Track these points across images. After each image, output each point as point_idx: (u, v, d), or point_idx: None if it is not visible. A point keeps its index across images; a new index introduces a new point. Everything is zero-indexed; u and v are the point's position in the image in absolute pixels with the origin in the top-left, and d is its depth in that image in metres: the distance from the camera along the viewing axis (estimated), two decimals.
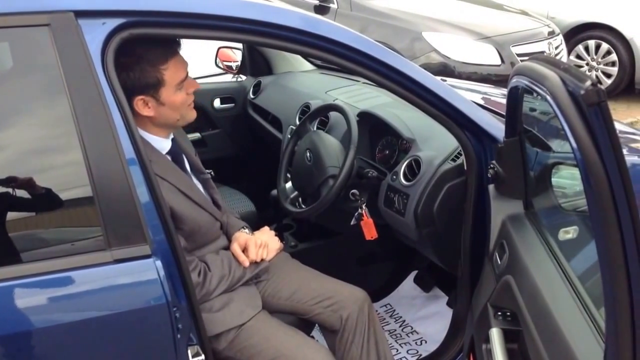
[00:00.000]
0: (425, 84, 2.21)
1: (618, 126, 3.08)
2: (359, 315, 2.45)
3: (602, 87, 1.34)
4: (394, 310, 3.30)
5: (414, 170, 2.59)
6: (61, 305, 1.74)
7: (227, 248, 2.38)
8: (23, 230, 1.79)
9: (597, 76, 8.03)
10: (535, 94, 1.80)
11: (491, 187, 2.26)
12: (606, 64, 7.97)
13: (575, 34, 8.11)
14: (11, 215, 1.75)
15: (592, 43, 8.03)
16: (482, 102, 2.89)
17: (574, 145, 1.34)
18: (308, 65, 3.95)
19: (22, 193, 1.73)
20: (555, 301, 1.72)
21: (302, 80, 3.82)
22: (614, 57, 7.88)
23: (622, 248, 1.31)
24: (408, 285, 3.40)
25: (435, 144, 2.61)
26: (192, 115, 2.25)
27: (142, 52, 2.02)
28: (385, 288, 3.43)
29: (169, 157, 2.22)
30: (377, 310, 3.20)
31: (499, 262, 2.05)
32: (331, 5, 6.74)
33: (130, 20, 1.81)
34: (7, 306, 1.66)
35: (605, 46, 7.93)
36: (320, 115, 3.09)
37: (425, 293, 3.33)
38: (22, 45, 1.73)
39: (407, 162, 2.63)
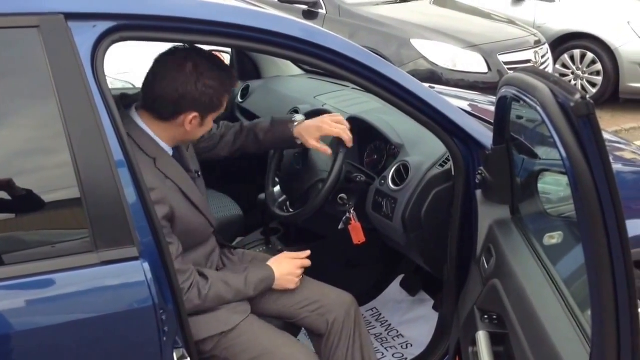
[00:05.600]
0: (414, 91, 2.24)
1: (604, 135, 3.12)
2: (345, 319, 2.46)
3: (590, 99, 1.37)
4: (380, 314, 3.32)
5: (402, 175, 2.61)
6: (47, 307, 1.74)
7: (215, 251, 2.40)
8: (9, 231, 1.79)
9: (582, 85, 8.11)
10: (523, 103, 1.82)
11: (478, 192, 2.28)
12: (591, 74, 8.06)
13: (561, 44, 8.19)
14: None
15: (577, 52, 8.12)
16: (469, 109, 2.92)
17: (564, 154, 1.37)
18: (296, 70, 3.97)
19: (8, 194, 1.73)
20: (541, 304, 1.74)
21: (290, 84, 3.84)
22: (598, 66, 7.97)
23: (609, 254, 1.33)
24: (394, 289, 3.41)
25: (424, 149, 2.63)
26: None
27: (225, 78, 2.14)
28: (371, 292, 3.44)
29: (175, 161, 2.24)
30: (363, 314, 3.21)
31: (486, 266, 2.07)
32: (320, 10, 6.76)
33: (121, 23, 1.82)
34: None
35: (590, 56, 8.03)
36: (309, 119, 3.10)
37: (411, 297, 3.35)
38: (11, 47, 1.73)
39: (395, 167, 2.64)
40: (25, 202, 1.76)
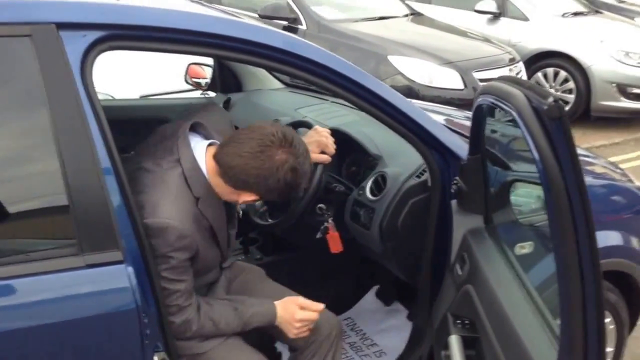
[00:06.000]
0: (394, 103, 2.32)
1: (584, 155, 3.24)
2: (324, 340, 2.48)
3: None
4: (355, 324, 3.37)
5: (380, 185, 2.68)
6: (32, 308, 1.79)
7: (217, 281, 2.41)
8: None
9: None
10: (500, 111, 1.90)
11: (454, 202, 2.36)
12: (564, 91, 8.20)
13: (535, 62, 8.34)
14: None
15: (550, 70, 8.28)
16: (445, 123, 3.00)
17: (536, 156, 1.45)
18: (277, 84, 4.03)
19: None
20: (512, 308, 1.82)
21: (271, 97, 3.90)
22: (571, 84, 8.13)
23: (577, 245, 1.41)
24: (369, 299, 3.47)
25: (402, 160, 2.70)
26: None
27: (301, 184, 2.12)
28: (347, 301, 3.50)
29: (222, 203, 2.21)
30: None
31: (460, 272, 2.15)
32: (300, 26, 6.87)
33: (109, 33, 1.89)
34: None
35: (563, 74, 8.19)
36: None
37: (386, 307, 3.41)
38: (4, 55, 1.78)
39: (373, 177, 2.72)
40: (14, 206, 1.81)
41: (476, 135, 2.19)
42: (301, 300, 2.32)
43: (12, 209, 1.82)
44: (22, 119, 1.84)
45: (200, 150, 2.12)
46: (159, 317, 1.97)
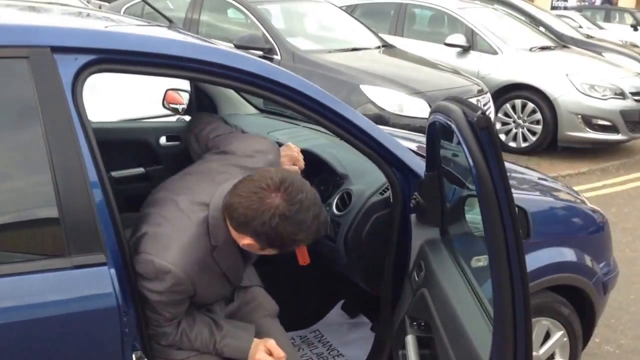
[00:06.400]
0: (361, 126, 2.51)
1: (543, 179, 3.50)
2: None
3: (490, 116, 1.67)
4: (322, 335, 3.53)
5: (345, 202, 2.88)
6: (23, 304, 1.93)
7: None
8: None
9: (523, 133, 8.54)
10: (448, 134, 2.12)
11: (413, 216, 2.56)
12: (531, 122, 8.48)
13: (504, 94, 8.61)
14: None
15: (518, 102, 8.55)
16: (417, 150, 3.20)
17: (471, 162, 1.67)
18: (251, 109, 4.22)
19: None
20: (461, 308, 2.02)
21: (245, 121, 4.07)
22: (538, 116, 8.40)
23: (504, 232, 1.63)
24: (336, 312, 3.63)
25: (366, 179, 2.90)
26: None
27: (302, 235, 2.07)
28: (315, 314, 3.66)
29: (238, 251, 2.23)
30: (307, 336, 3.45)
31: (416, 279, 2.35)
32: (275, 56, 7.09)
33: (99, 57, 2.07)
34: None
35: (530, 105, 8.46)
36: None
37: (351, 320, 3.58)
38: (3, 74, 1.96)
39: (339, 194, 2.92)
40: (9, 213, 1.98)
41: (431, 152, 2.40)
42: (270, 343, 2.33)
43: (7, 215, 1.98)
44: (18, 133, 2.00)
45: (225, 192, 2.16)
46: (137, 318, 2.11)
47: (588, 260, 3.18)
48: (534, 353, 3.03)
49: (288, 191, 2.02)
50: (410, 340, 2.21)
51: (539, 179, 3.63)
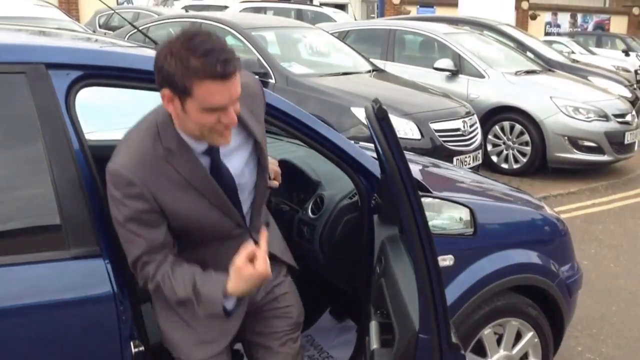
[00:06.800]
0: (332, 139, 2.77)
1: (511, 190, 3.83)
2: None
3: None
4: (314, 339, 3.76)
5: (319, 206, 3.13)
6: (26, 291, 2.18)
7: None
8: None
9: (513, 155, 8.79)
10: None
11: (375, 216, 2.80)
12: (520, 144, 8.73)
13: (493, 115, 8.87)
14: None
15: (507, 124, 8.81)
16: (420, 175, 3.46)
17: (379, 149, 1.93)
18: None
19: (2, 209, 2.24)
20: (405, 288, 2.26)
21: None
22: (527, 137, 8.64)
23: (412, 211, 1.89)
24: (325, 318, 3.87)
25: (338, 185, 3.16)
26: (222, 142, 2.16)
27: (195, 61, 1.96)
28: (306, 321, 3.88)
29: (196, 157, 2.19)
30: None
31: (378, 271, 2.58)
32: (270, 80, 7.39)
33: (87, 72, 2.34)
34: None
35: (518, 127, 8.71)
36: None
37: (339, 324, 3.81)
38: (4, 87, 2.23)
39: (313, 199, 3.18)
40: (17, 212, 2.26)
41: (379, 155, 2.64)
42: (258, 252, 2.13)
43: (15, 214, 2.26)
44: (20, 140, 2.27)
45: None
46: (132, 306, 2.33)
47: (550, 263, 3.41)
48: (508, 352, 3.32)
49: (190, 32, 2.03)
50: (373, 326, 2.44)
51: (507, 189, 3.88)
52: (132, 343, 2.32)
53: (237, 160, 2.29)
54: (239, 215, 2.31)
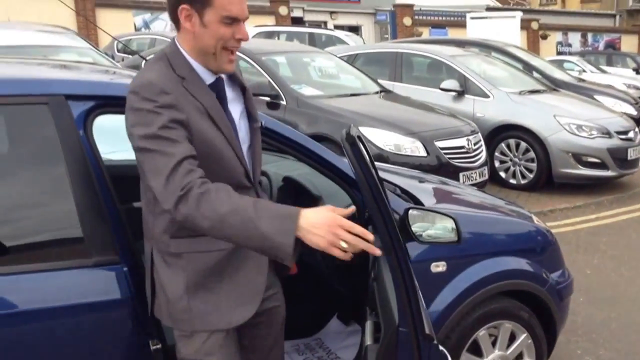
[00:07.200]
0: (328, 159, 3.01)
1: (508, 204, 4.06)
2: None
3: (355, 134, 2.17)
4: (323, 342, 3.98)
5: None
6: (54, 295, 2.43)
7: None
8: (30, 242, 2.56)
9: (520, 171, 8.99)
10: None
11: (370, 226, 3.02)
12: (526, 160, 8.92)
13: (498, 133, 9.08)
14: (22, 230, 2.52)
15: (512, 142, 9.00)
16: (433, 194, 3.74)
17: (352, 168, 2.14)
18: None
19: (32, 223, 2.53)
20: (390, 287, 2.48)
21: None
22: (532, 154, 8.84)
23: (383, 220, 2.15)
24: (334, 323, 4.10)
25: (336, 199, 3.38)
26: (229, 67, 2.23)
27: None
28: (316, 326, 4.11)
29: (208, 87, 2.24)
30: (310, 343, 3.92)
31: (372, 276, 2.81)
32: (281, 102, 7.64)
33: (101, 102, 2.60)
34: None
35: (524, 145, 8.91)
36: None
37: (347, 328, 4.03)
38: (30, 116, 2.52)
39: None
40: (41, 226, 2.53)
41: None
42: (331, 207, 2.05)
43: (42, 228, 2.54)
44: (44, 161, 2.55)
45: (177, 38, 2.26)
46: (151, 309, 2.50)
47: (540, 270, 3.64)
48: (502, 352, 3.55)
49: None
50: (367, 325, 2.66)
51: (500, 202, 4.11)
52: (150, 342, 2.55)
53: (234, 111, 2.34)
54: (245, 161, 2.30)
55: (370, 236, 2.01)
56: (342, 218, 1.98)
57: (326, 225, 1.95)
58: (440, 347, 2.60)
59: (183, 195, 1.98)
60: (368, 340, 2.62)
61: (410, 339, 2.30)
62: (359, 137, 2.12)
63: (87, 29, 20.65)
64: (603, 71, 19.62)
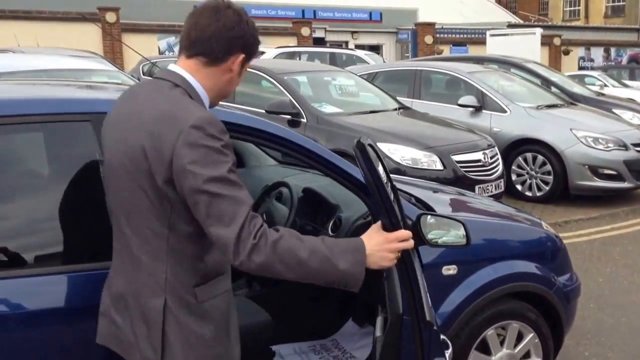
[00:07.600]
0: (347, 170, 3.20)
1: (518, 212, 4.30)
2: None
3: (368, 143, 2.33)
4: (339, 343, 4.18)
5: (338, 226, 3.62)
6: (70, 294, 2.64)
7: None
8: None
9: (537, 184, 9.18)
10: None
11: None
12: (543, 173, 9.12)
13: (515, 147, 9.29)
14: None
15: (529, 155, 9.21)
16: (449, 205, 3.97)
17: (362, 174, 2.35)
18: (272, 161, 5.03)
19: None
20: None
21: (266, 170, 4.90)
22: (549, 167, 9.04)
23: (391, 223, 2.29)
24: (349, 324, 4.30)
25: (354, 208, 3.65)
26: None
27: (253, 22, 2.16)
28: (333, 327, 4.32)
29: None
30: (326, 343, 4.11)
31: (384, 276, 3.05)
32: (302, 120, 7.91)
33: None
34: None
35: (540, 158, 9.11)
36: (273, 190, 4.21)
37: (362, 329, 4.25)
38: (76, 132, 2.79)
39: (333, 220, 3.68)
40: (83, 233, 2.78)
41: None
42: (378, 227, 2.23)
43: (82, 235, 2.78)
44: (87, 173, 2.78)
45: (176, 68, 2.16)
46: None
47: (548, 273, 3.86)
48: (510, 351, 3.75)
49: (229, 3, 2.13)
50: (378, 320, 2.90)
51: (511, 210, 4.35)
52: None
53: None
54: None
55: (410, 234, 2.25)
56: (387, 233, 2.18)
57: (384, 245, 2.16)
58: (442, 336, 2.83)
59: (256, 243, 1.94)
60: (378, 332, 2.85)
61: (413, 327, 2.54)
62: (370, 145, 2.33)
63: (113, 53, 21.16)
64: (625, 85, 19.71)
